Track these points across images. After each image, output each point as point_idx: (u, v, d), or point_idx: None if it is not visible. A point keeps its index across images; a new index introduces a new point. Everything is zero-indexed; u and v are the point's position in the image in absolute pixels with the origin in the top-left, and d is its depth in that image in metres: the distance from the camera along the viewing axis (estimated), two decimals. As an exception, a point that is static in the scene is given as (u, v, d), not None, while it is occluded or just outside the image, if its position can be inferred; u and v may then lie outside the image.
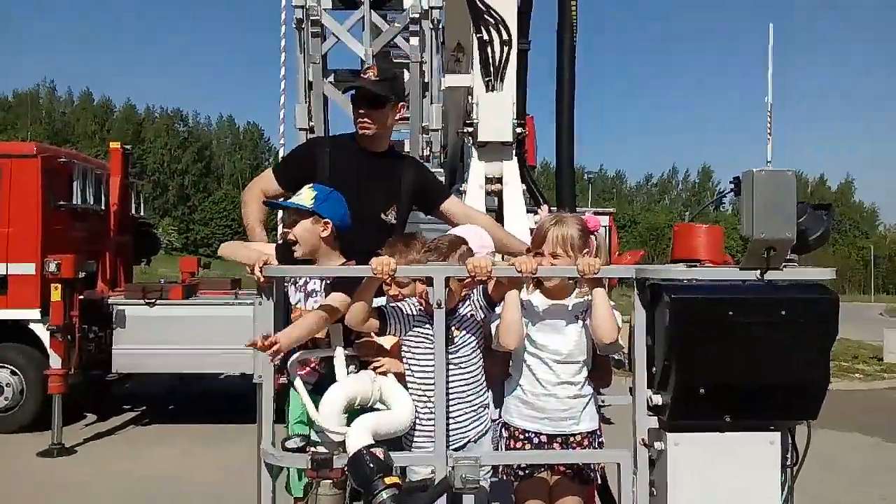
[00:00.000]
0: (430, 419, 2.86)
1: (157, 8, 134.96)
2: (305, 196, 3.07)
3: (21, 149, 9.47)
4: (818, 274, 2.78)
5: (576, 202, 4.61)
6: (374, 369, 3.01)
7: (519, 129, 4.28)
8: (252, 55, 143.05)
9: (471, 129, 4.26)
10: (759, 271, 2.71)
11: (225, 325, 8.68)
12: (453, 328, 2.92)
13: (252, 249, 3.02)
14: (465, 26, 4.74)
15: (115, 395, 10.39)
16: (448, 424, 2.80)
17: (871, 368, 14.28)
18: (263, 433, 2.81)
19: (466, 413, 2.93)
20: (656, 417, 2.80)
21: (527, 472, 2.98)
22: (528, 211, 4.36)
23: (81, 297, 8.60)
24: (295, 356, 3.02)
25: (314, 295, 3.15)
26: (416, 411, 2.93)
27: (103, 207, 10.34)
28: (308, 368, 3.12)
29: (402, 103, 3.65)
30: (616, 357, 3.18)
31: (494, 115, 4.17)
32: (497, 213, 4.31)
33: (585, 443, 2.97)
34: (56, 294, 8.21)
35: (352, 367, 3.03)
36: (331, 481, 2.76)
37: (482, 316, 3.00)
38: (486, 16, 4.14)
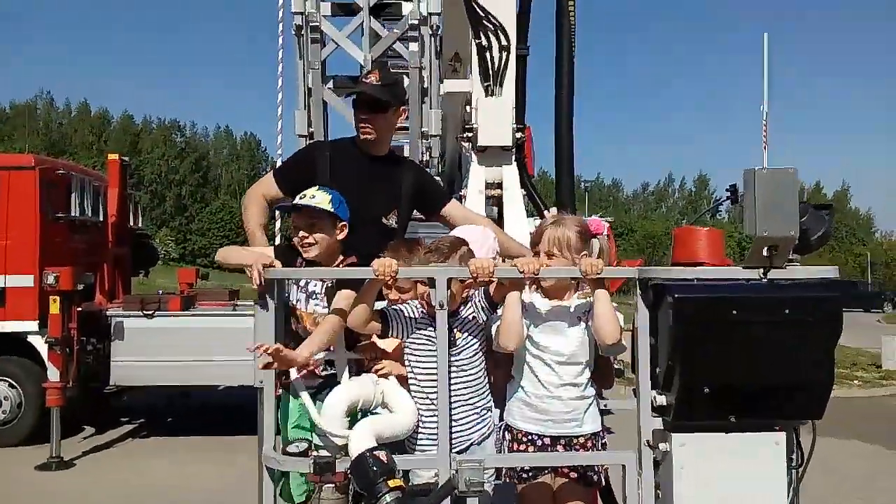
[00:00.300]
0: (433, 422, 2.84)
1: (153, 19, 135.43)
2: (321, 199, 3.07)
3: (19, 161, 9.48)
4: (821, 272, 2.77)
5: (576, 211, 4.62)
6: (376, 372, 2.99)
7: (518, 134, 4.29)
8: (249, 66, 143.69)
9: (470, 135, 4.27)
10: (762, 270, 2.70)
11: (224, 336, 8.64)
12: (455, 330, 2.91)
13: (250, 251, 3.02)
14: (463, 35, 4.77)
15: (114, 408, 10.34)
16: (451, 427, 2.79)
17: (870, 375, 14.28)
18: (265, 438, 2.79)
19: (469, 416, 2.92)
20: (661, 418, 2.78)
21: (530, 474, 2.96)
22: (529, 216, 4.36)
23: (80, 309, 8.56)
24: None
25: (314, 297, 3.13)
26: (419, 414, 2.91)
27: (101, 219, 10.32)
28: (306, 371, 3.10)
29: (403, 108, 3.65)
30: (616, 366, 3.17)
31: (494, 120, 4.19)
32: (497, 218, 4.31)
33: (589, 445, 2.95)
34: (54, 306, 8.17)
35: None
36: (333, 485, 2.73)
37: (484, 318, 2.98)
38: (484, 21, 4.16)
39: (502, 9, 4.17)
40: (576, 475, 2.96)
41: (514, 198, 4.28)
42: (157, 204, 71.47)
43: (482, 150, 4.29)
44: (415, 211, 3.66)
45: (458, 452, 2.79)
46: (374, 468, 2.39)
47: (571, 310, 2.95)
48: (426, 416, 2.90)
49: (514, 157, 4.32)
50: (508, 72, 4.21)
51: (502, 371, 3.07)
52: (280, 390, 3.02)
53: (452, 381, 2.83)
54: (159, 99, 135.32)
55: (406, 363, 2.99)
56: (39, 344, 8.53)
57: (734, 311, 2.63)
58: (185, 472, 7.67)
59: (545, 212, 3.46)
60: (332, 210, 3.06)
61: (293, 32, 5.71)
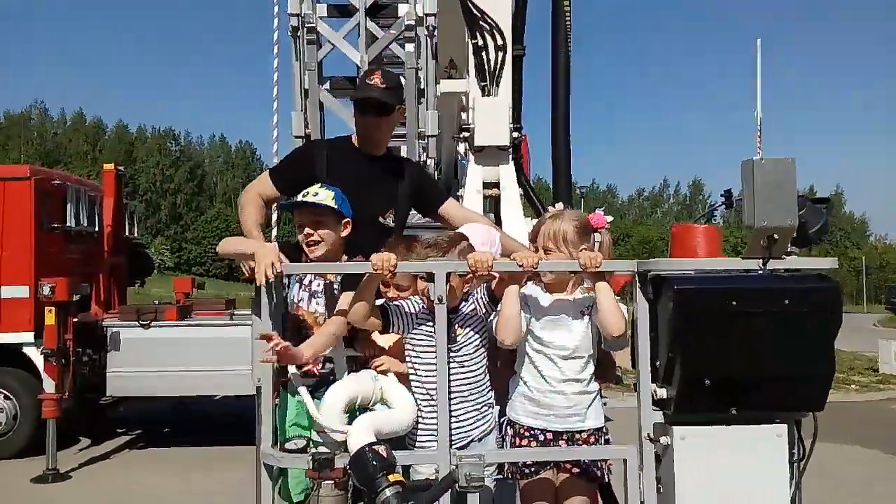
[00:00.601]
0: (433, 418, 2.82)
1: (148, 29, 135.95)
2: (324, 195, 3.06)
3: (14, 171, 9.42)
4: (820, 263, 2.77)
5: None
6: (375, 368, 2.97)
7: (515, 134, 4.29)
8: (243, 75, 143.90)
9: (467, 135, 4.27)
10: (761, 261, 2.69)
11: (220, 346, 8.60)
12: (456, 326, 2.89)
13: (251, 242, 3.01)
14: (459, 40, 4.78)
15: (110, 419, 10.27)
16: (451, 423, 2.77)
17: (867, 379, 14.25)
18: (263, 435, 2.76)
19: (469, 412, 2.89)
20: (661, 412, 2.77)
21: (532, 470, 2.93)
22: (525, 216, 4.36)
23: (76, 319, 8.50)
24: None
25: (317, 296, 3.12)
26: (420, 410, 2.89)
27: (97, 229, 10.28)
28: (305, 368, 3.08)
29: (401, 107, 3.68)
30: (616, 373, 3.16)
31: (491, 120, 4.19)
32: (494, 217, 4.31)
33: (591, 440, 2.93)
34: (50, 317, 8.10)
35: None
36: (332, 482, 2.70)
37: (486, 314, 2.96)
38: (480, 21, 4.17)
39: (498, 8, 4.18)
40: (578, 471, 2.93)
41: (511, 197, 4.27)
42: (152, 213, 71.39)
43: (479, 150, 4.29)
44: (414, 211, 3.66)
45: (457, 449, 2.77)
46: (374, 462, 2.36)
47: (574, 304, 2.94)
48: (427, 412, 2.88)
49: (511, 157, 4.32)
50: (505, 71, 4.22)
51: (508, 371, 3.05)
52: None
53: (452, 377, 2.81)
54: (154, 108, 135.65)
55: (407, 359, 2.97)
56: (35, 355, 8.48)
57: (734, 303, 2.63)
58: (182, 483, 7.60)
59: (549, 207, 3.46)
60: (336, 207, 3.06)
61: (289, 34, 5.72)
